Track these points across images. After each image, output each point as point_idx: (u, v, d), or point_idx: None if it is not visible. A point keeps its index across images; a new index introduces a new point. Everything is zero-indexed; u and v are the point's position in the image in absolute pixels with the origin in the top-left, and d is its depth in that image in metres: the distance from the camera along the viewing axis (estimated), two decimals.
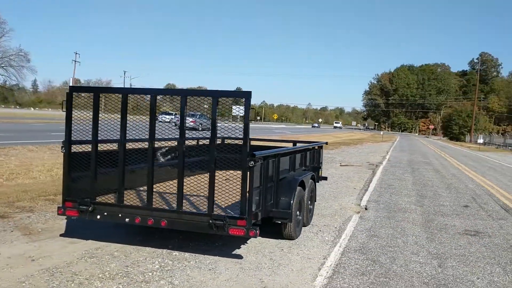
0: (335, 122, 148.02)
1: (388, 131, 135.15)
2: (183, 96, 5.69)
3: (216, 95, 5.57)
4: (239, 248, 6.57)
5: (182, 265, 5.68)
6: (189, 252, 6.21)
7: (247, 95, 5.46)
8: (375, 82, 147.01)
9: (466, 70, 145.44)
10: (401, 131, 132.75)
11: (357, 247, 6.87)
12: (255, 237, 5.59)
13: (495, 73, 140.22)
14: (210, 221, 5.59)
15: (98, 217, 6.06)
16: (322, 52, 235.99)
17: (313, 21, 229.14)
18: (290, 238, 7.00)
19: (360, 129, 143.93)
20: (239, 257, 6.14)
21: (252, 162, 5.50)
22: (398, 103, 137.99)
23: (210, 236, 6.80)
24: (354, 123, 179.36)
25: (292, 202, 6.64)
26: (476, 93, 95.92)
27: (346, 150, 32.55)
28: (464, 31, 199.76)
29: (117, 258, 5.84)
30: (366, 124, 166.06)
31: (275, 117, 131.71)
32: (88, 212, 6.06)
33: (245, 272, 5.57)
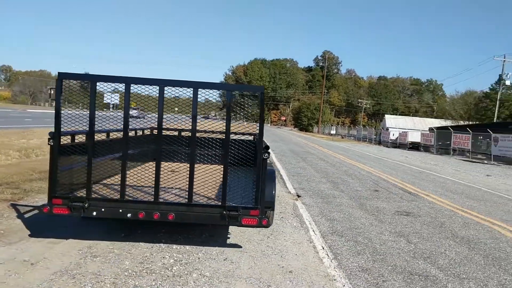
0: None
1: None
2: (195, 89, 5.67)
3: (230, 89, 5.67)
4: (228, 238, 6.72)
5: (195, 258, 5.68)
6: (186, 245, 6.19)
7: (261, 89, 5.68)
8: (230, 74, 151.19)
9: (312, 66, 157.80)
10: None
11: (329, 231, 7.51)
12: (267, 226, 5.87)
13: (335, 70, 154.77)
14: (224, 212, 5.69)
15: (94, 213, 5.69)
16: (175, 40, 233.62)
17: (165, 7, 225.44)
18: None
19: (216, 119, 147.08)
20: (238, 246, 6.32)
21: (266, 155, 5.76)
22: None
23: (192, 228, 6.82)
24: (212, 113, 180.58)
25: (274, 191, 6.99)
26: (324, 88, 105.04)
27: None
28: (310, 30, 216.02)
29: (122, 255, 5.58)
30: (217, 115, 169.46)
31: (133, 105, 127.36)
32: (82, 209, 5.65)
33: (258, 259, 5.80)
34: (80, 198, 5.65)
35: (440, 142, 40.29)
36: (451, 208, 10.34)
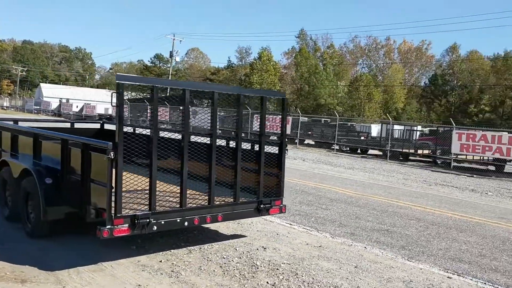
0: None
1: None
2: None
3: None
4: (216, 229, 7.10)
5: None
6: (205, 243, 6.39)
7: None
8: None
9: None
10: None
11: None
12: (284, 212, 6.82)
13: None
14: (261, 206, 6.35)
15: (155, 228, 5.32)
16: None
17: None
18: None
19: None
20: (243, 236, 6.91)
21: (286, 151, 6.69)
22: None
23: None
24: None
25: None
26: None
27: None
28: None
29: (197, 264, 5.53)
30: None
31: None
32: (146, 226, 5.22)
33: (285, 240, 6.69)
34: (146, 215, 5.17)
35: (131, 114, 42.54)
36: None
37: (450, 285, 5.41)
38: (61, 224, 6.05)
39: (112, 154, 4.84)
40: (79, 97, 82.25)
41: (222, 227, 7.20)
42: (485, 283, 5.63)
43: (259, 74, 65.20)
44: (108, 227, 4.89)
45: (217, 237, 6.76)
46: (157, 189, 5.30)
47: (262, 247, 6.40)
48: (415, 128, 29.85)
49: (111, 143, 4.89)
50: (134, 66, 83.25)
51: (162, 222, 5.35)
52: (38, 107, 59.56)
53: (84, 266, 5.21)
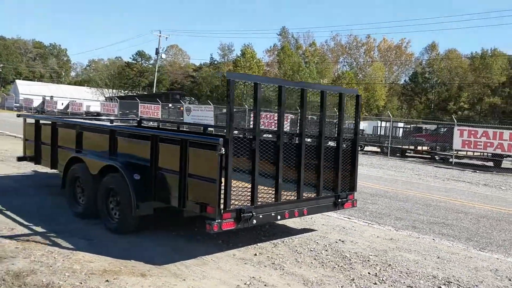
0: None
1: None
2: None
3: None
4: (283, 224, 7.25)
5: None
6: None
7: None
8: None
9: None
10: None
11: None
12: (356, 206, 7.01)
13: None
14: (339, 200, 6.53)
15: (254, 222, 5.45)
16: None
17: None
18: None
19: None
20: (314, 230, 7.07)
21: (359, 147, 6.87)
22: None
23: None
24: None
25: None
26: None
27: None
28: None
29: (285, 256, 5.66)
30: None
31: None
32: (248, 220, 5.34)
33: (355, 234, 6.89)
34: (250, 209, 5.28)
35: (121, 111, 42.06)
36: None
37: None
38: (147, 219, 6.11)
39: (223, 150, 4.93)
40: (58, 94, 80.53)
41: (288, 222, 7.32)
42: None
43: (242, 71, 65.02)
44: (217, 221, 4.98)
45: (290, 231, 6.90)
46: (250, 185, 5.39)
47: (340, 240, 6.56)
48: (398, 125, 30.76)
49: (221, 139, 4.98)
50: (115, 63, 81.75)
51: (260, 216, 5.47)
52: (18, 104, 58.26)
53: (187, 260, 5.27)
